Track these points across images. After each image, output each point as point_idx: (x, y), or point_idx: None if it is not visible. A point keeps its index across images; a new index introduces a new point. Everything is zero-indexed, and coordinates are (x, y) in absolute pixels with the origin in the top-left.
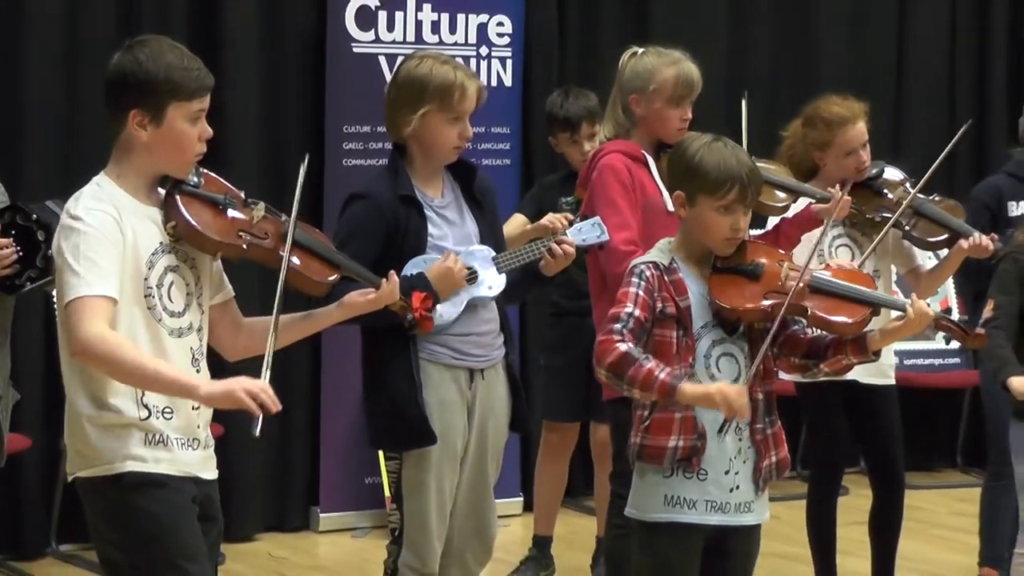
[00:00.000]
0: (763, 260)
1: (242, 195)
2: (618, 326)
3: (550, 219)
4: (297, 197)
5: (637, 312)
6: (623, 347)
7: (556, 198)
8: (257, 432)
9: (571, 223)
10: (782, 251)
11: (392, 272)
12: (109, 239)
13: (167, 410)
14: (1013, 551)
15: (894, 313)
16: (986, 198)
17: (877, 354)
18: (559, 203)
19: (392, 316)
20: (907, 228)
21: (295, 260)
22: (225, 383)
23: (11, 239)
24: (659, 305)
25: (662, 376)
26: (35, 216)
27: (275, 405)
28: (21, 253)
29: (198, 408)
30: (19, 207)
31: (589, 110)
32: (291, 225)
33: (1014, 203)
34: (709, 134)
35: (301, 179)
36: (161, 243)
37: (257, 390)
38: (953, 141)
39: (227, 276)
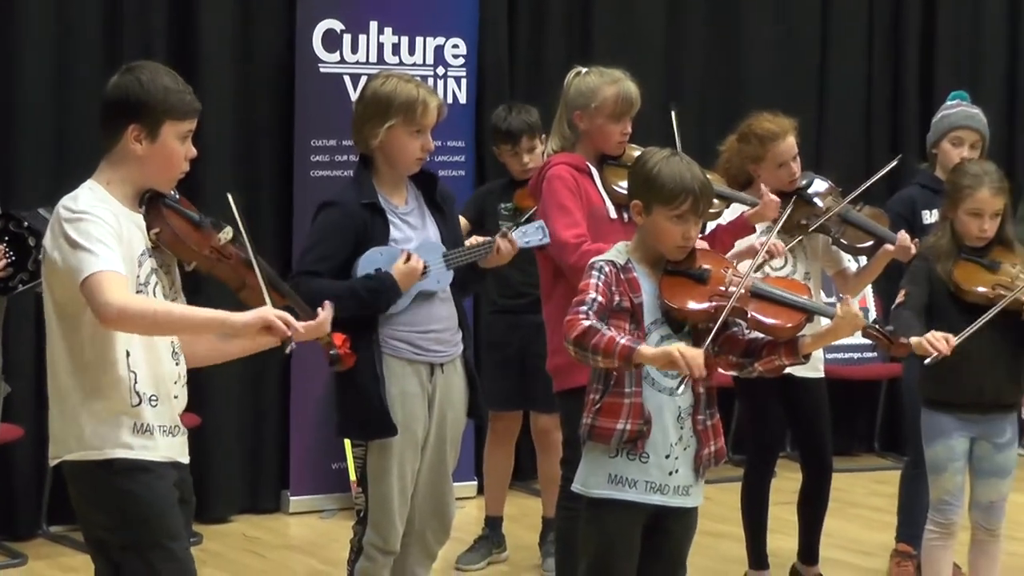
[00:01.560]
0: (709, 266)
1: (209, 219)
2: (583, 308)
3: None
4: (242, 227)
5: (600, 298)
6: (587, 322)
7: (496, 204)
8: (291, 348)
9: (516, 226)
10: (726, 259)
11: (328, 303)
12: (115, 230)
13: (153, 398)
14: (926, 527)
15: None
16: (901, 208)
17: (807, 357)
18: (498, 208)
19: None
20: (835, 235)
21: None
22: (255, 311)
23: (4, 245)
24: (616, 298)
25: (622, 341)
26: (26, 223)
27: (299, 325)
28: (14, 257)
29: (178, 397)
30: (11, 215)
31: (529, 124)
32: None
33: (927, 212)
34: (667, 149)
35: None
36: (146, 247)
37: (283, 314)
38: (884, 171)
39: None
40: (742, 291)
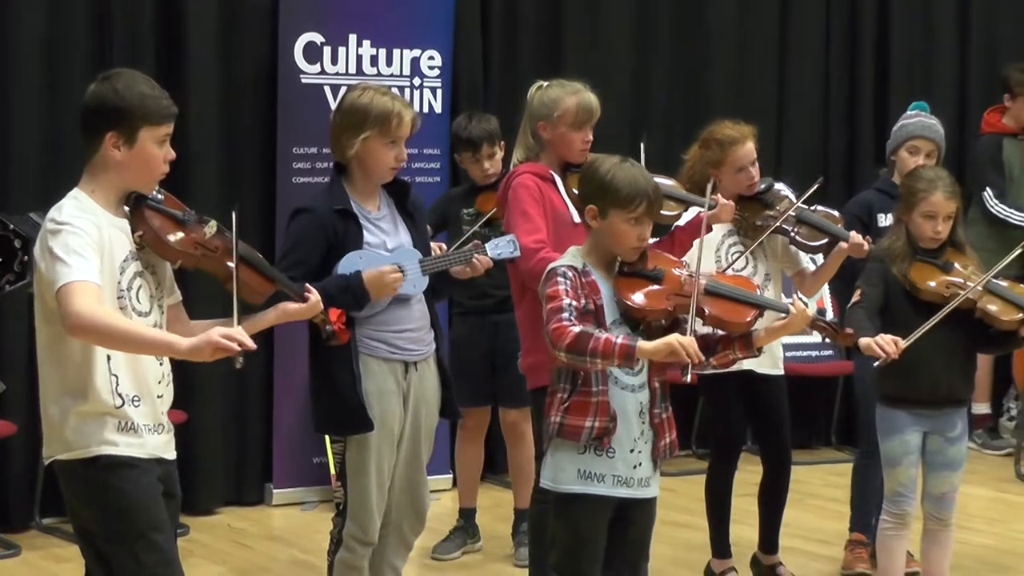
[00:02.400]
0: (663, 267)
1: (195, 213)
2: (565, 314)
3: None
4: (235, 235)
5: (574, 302)
6: (576, 329)
7: (459, 209)
8: (239, 364)
9: (486, 239)
10: (676, 259)
11: (314, 289)
12: (94, 241)
13: (136, 398)
14: (879, 517)
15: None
16: (858, 211)
17: (760, 351)
18: (461, 213)
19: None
20: (793, 234)
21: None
22: (200, 336)
23: None
24: (582, 301)
25: (620, 341)
26: (12, 227)
27: (250, 342)
28: (0, 260)
29: (162, 396)
30: None
31: (489, 132)
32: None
33: (883, 215)
34: (616, 156)
35: (235, 226)
36: (130, 251)
37: (232, 333)
38: (812, 189)
39: (190, 288)
40: (701, 289)
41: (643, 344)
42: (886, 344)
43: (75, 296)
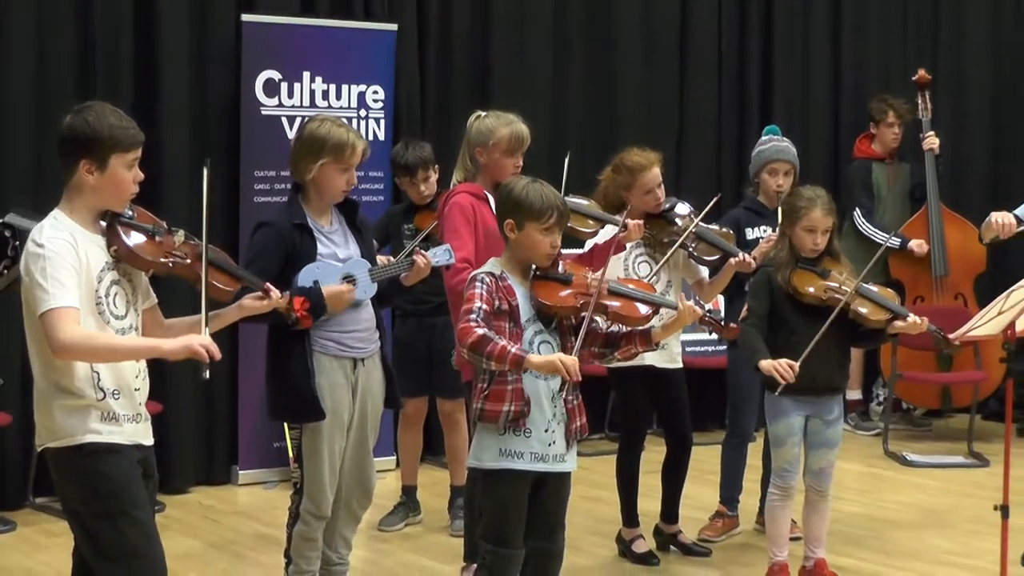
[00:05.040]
0: (572, 271)
1: (165, 224)
2: (473, 316)
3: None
4: (205, 204)
5: (484, 306)
6: (480, 331)
7: (399, 225)
8: (207, 375)
9: (426, 250)
10: (583, 266)
11: (270, 285)
12: (69, 261)
13: (116, 392)
14: (768, 490)
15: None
16: (729, 226)
17: (658, 345)
18: (402, 228)
19: (279, 317)
20: (691, 249)
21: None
22: (181, 339)
23: None
24: (497, 303)
25: (513, 350)
26: (2, 220)
27: (218, 353)
28: None
29: (139, 389)
30: None
31: (423, 158)
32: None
33: (750, 229)
34: (527, 176)
35: (205, 186)
36: (106, 263)
37: (207, 343)
38: (711, 204)
39: (163, 290)
40: (603, 288)
41: (532, 357)
42: (784, 371)
43: (57, 323)
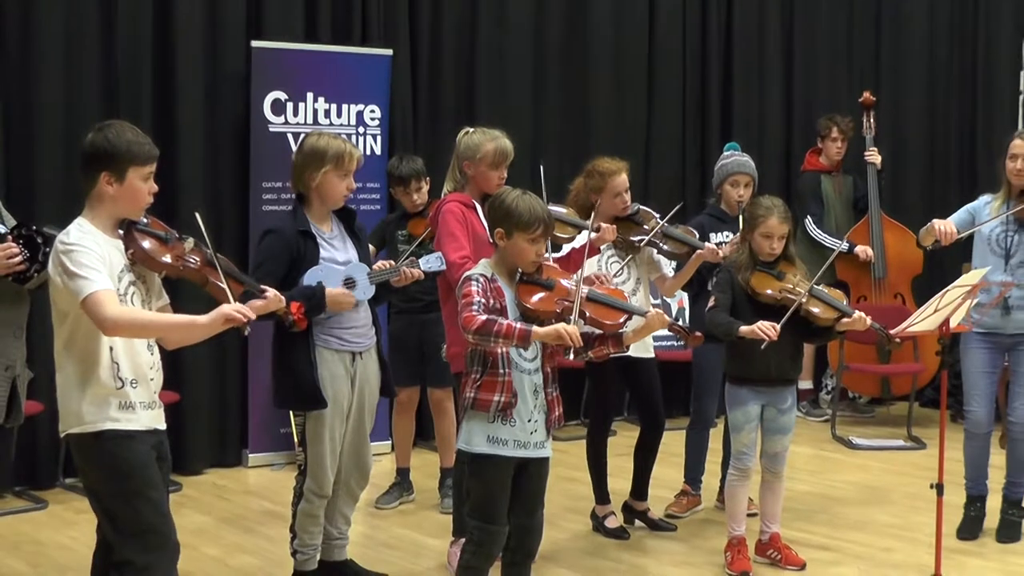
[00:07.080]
0: (554, 277)
1: (176, 232)
2: (474, 306)
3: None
4: (206, 237)
5: (482, 300)
6: (482, 316)
7: (395, 231)
8: (247, 332)
9: (420, 257)
10: (566, 272)
11: (271, 288)
12: (98, 255)
13: (133, 381)
14: (728, 472)
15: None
16: (694, 230)
17: (628, 347)
18: (396, 235)
19: (279, 319)
20: (660, 246)
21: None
22: (214, 312)
23: (20, 245)
24: (490, 301)
25: (519, 326)
26: (35, 227)
27: (251, 312)
28: (28, 254)
29: (153, 379)
30: (24, 224)
31: (416, 170)
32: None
33: (714, 234)
34: (519, 189)
35: (202, 228)
36: (125, 265)
37: (237, 306)
38: (674, 211)
39: (178, 292)
40: (583, 295)
41: (537, 329)
42: (767, 329)
43: (101, 304)
